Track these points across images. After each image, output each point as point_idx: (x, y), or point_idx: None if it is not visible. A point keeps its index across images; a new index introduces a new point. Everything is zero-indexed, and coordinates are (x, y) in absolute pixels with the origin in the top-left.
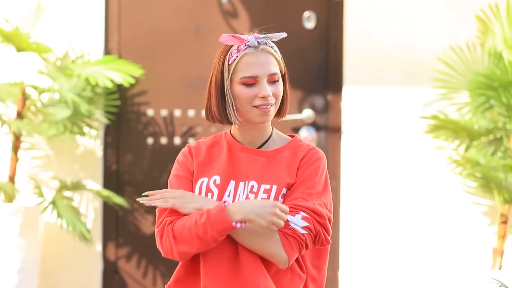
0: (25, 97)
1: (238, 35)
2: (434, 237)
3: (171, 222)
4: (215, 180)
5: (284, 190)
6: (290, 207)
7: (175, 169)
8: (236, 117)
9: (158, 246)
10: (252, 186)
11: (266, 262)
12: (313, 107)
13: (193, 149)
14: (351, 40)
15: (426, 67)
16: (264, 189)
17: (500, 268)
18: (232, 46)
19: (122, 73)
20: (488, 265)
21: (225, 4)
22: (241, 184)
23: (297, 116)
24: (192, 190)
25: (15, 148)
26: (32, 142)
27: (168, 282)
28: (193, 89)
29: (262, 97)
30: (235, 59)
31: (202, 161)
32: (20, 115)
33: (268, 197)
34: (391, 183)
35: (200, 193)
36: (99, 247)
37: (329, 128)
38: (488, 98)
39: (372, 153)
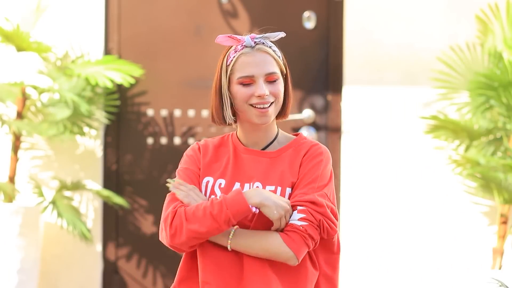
0: (25, 97)
1: (235, 35)
2: (434, 237)
3: (182, 205)
4: (220, 184)
5: (289, 190)
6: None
7: (184, 162)
8: (231, 117)
9: (165, 231)
10: (257, 187)
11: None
12: (313, 107)
13: (202, 147)
14: (351, 40)
15: (426, 67)
16: (269, 190)
17: (500, 268)
18: (231, 47)
19: (122, 73)
20: (488, 265)
21: (225, 4)
22: (246, 186)
23: (297, 116)
24: (199, 185)
25: (15, 148)
26: (32, 142)
27: (173, 284)
28: (193, 89)
29: (258, 96)
30: (232, 60)
31: (208, 160)
32: (20, 115)
33: None
34: (391, 183)
35: (205, 192)
36: (99, 247)
37: (329, 128)
38: (488, 98)
39: (372, 153)
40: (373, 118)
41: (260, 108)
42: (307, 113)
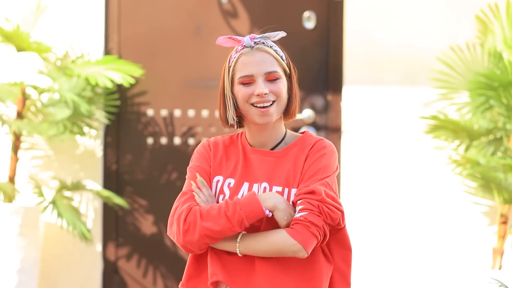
0: (25, 97)
1: (235, 36)
2: (434, 237)
3: (198, 205)
4: (229, 184)
5: (294, 191)
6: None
7: (195, 160)
8: (234, 118)
9: (177, 227)
10: (265, 188)
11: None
12: (313, 107)
13: (212, 145)
14: (351, 40)
15: (426, 67)
16: (276, 191)
17: (500, 268)
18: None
19: (122, 73)
20: (488, 265)
21: (225, 4)
22: (255, 186)
23: (297, 116)
24: (210, 182)
25: (15, 148)
26: (32, 142)
27: (181, 281)
28: (193, 89)
29: (258, 95)
30: (233, 61)
31: (219, 158)
32: (20, 115)
33: None
34: (391, 183)
35: (215, 190)
36: (99, 247)
37: (329, 128)
38: (488, 98)
39: (372, 153)
40: (373, 118)
41: (260, 107)
42: (307, 113)
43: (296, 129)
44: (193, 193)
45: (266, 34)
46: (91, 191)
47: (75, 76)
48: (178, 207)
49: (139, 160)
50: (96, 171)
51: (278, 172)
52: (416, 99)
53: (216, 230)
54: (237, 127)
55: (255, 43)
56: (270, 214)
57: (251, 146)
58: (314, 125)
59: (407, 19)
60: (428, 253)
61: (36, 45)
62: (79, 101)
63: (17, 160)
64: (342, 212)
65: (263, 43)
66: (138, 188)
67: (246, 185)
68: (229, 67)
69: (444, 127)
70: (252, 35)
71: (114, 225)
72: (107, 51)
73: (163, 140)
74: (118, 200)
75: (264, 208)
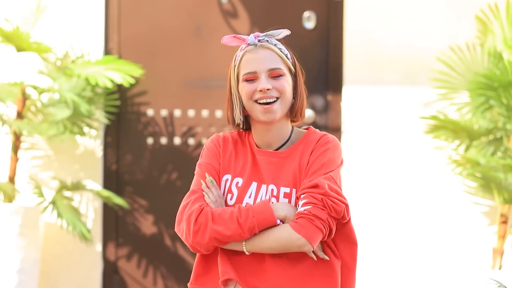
0: (25, 97)
1: (240, 35)
2: (434, 237)
3: (209, 206)
4: (237, 183)
5: None
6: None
7: (205, 156)
8: (241, 117)
9: (187, 226)
10: (272, 190)
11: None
12: (313, 107)
13: (222, 140)
14: (351, 40)
15: (426, 67)
16: (284, 192)
17: (500, 268)
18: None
19: (122, 73)
20: (488, 265)
21: (225, 4)
22: (263, 186)
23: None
24: (219, 180)
25: (15, 148)
26: (32, 142)
27: (190, 280)
28: (193, 89)
29: (260, 91)
30: (238, 59)
31: (229, 156)
32: (20, 115)
33: (289, 201)
34: (391, 183)
35: (223, 189)
36: (99, 247)
37: (329, 128)
38: (488, 98)
39: (372, 153)
40: (373, 118)
41: (263, 103)
42: (307, 113)
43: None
44: (203, 192)
45: (270, 32)
46: (91, 191)
47: (75, 76)
48: (188, 205)
49: (139, 160)
50: (96, 171)
51: (285, 172)
52: (416, 99)
53: (226, 234)
54: (243, 127)
55: (259, 41)
56: (281, 224)
57: (257, 147)
58: (314, 125)
59: (407, 19)
60: (428, 253)
61: (36, 45)
62: (79, 101)
63: (17, 160)
64: (346, 205)
65: (267, 41)
66: (138, 188)
67: (254, 184)
68: (234, 66)
69: (444, 127)
70: (257, 33)
71: (114, 225)
72: (107, 51)
73: (163, 140)
74: (118, 200)
75: (276, 218)
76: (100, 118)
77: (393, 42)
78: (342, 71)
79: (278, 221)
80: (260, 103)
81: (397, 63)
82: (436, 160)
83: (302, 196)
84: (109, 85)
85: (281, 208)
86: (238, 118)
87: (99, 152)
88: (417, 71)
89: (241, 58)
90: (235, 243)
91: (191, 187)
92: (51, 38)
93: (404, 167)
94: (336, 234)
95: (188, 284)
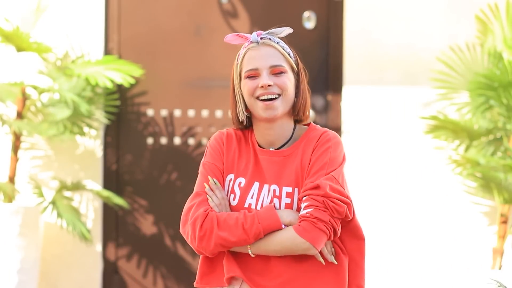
0: (25, 97)
1: (242, 33)
2: (434, 237)
3: (213, 210)
4: (240, 183)
5: None
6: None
7: (209, 155)
8: (244, 113)
9: (193, 232)
10: (274, 190)
11: None
12: (313, 107)
13: (226, 138)
14: (351, 40)
15: (426, 67)
16: (287, 192)
17: (500, 268)
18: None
19: (122, 73)
20: (488, 265)
21: (225, 4)
22: (265, 186)
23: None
24: (222, 180)
25: (15, 148)
26: (32, 142)
27: (196, 279)
28: (193, 89)
29: (262, 87)
30: (240, 57)
31: (232, 154)
32: (20, 115)
33: (292, 201)
34: (391, 183)
35: (227, 189)
36: (99, 247)
37: (329, 128)
38: (488, 98)
39: (372, 153)
40: (373, 118)
41: (264, 100)
42: None
43: None
44: (207, 196)
45: (273, 30)
46: (91, 191)
47: (75, 76)
48: (193, 208)
49: (139, 160)
50: (96, 171)
51: (287, 172)
52: (416, 99)
53: (231, 240)
54: (246, 124)
55: (261, 38)
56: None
57: (259, 146)
58: None
59: (407, 19)
60: (428, 253)
61: (36, 45)
62: (79, 101)
63: (17, 160)
64: (349, 204)
65: (270, 39)
66: (138, 188)
67: (256, 184)
68: (237, 64)
69: (444, 127)
70: (259, 31)
71: (114, 225)
72: (107, 51)
73: (163, 140)
74: (118, 200)
75: (281, 223)
76: (100, 118)
77: (393, 42)
78: (342, 71)
79: (283, 226)
80: (261, 100)
81: (397, 63)
82: (436, 160)
83: (304, 198)
84: (109, 85)
85: (286, 215)
86: (242, 115)
87: (99, 152)
88: (417, 71)
89: (244, 56)
90: (240, 246)
91: (195, 189)
92: (51, 38)
93: (404, 167)
94: (342, 230)
95: (194, 283)
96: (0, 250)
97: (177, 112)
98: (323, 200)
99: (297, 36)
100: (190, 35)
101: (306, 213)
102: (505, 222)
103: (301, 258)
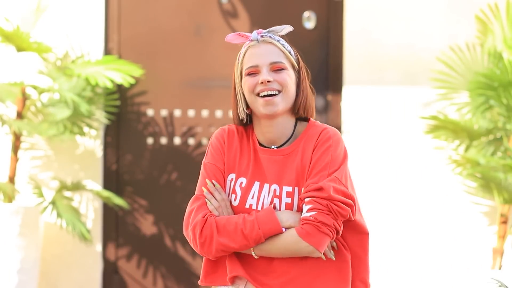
0: (25, 97)
1: (243, 32)
2: (434, 237)
3: (212, 215)
4: (241, 183)
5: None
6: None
7: (210, 155)
8: (245, 111)
9: (194, 237)
10: (275, 190)
11: None
12: None
13: (227, 135)
14: (351, 40)
15: (426, 67)
16: (287, 192)
17: (500, 268)
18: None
19: (122, 73)
20: (488, 265)
21: (225, 4)
22: (266, 186)
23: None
24: (223, 180)
25: (15, 148)
26: (32, 142)
27: (200, 278)
28: (193, 89)
29: (261, 83)
30: (241, 55)
31: (233, 153)
32: (20, 115)
33: (292, 201)
34: (391, 183)
35: (228, 191)
36: (99, 247)
37: None
38: (488, 98)
39: (372, 153)
40: (373, 118)
41: (265, 96)
42: None
43: None
44: (205, 199)
45: (273, 28)
46: (91, 191)
47: (75, 76)
48: (193, 213)
49: (139, 160)
50: (96, 171)
51: (287, 171)
52: (416, 99)
53: (232, 246)
54: (247, 122)
55: (262, 37)
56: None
57: (260, 144)
58: None
59: (407, 19)
60: (428, 253)
61: (36, 45)
62: (79, 101)
63: (17, 160)
64: (352, 206)
65: (270, 37)
66: (138, 188)
67: (257, 184)
68: (238, 62)
69: (444, 127)
70: (260, 30)
71: (114, 225)
72: (107, 51)
73: (163, 140)
74: (118, 200)
75: (282, 227)
76: (100, 118)
77: (393, 42)
78: (342, 71)
79: (284, 229)
80: (261, 96)
81: (397, 63)
82: (436, 160)
83: (306, 199)
84: (109, 85)
85: (286, 218)
86: (242, 113)
87: (99, 152)
88: (417, 71)
89: (244, 54)
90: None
91: (196, 192)
92: (51, 38)
93: (404, 167)
94: (344, 227)
95: (199, 282)
96: (0, 250)
97: (177, 112)
98: (327, 204)
99: (297, 36)
100: (190, 35)
101: (310, 216)
102: (505, 222)
103: (304, 256)
